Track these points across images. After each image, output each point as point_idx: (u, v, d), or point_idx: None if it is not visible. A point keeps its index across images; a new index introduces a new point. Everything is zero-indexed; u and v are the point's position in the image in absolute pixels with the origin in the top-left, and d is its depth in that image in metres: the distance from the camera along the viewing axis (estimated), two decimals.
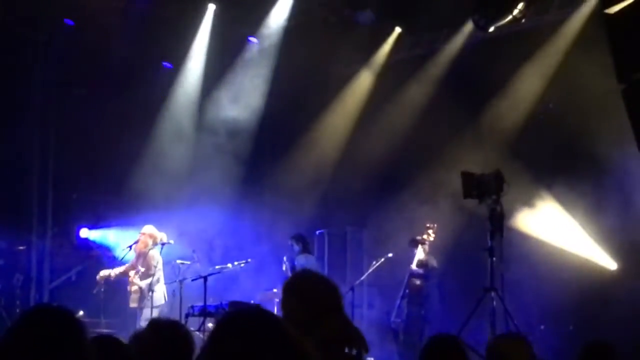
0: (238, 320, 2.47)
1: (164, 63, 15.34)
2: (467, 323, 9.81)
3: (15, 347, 2.71)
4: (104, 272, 12.21)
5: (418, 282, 12.06)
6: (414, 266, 12.09)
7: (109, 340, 3.76)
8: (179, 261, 12.20)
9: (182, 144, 14.98)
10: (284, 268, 12.62)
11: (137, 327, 11.59)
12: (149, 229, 12.28)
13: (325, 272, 13.35)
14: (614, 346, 5.67)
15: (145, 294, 11.97)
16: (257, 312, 2.51)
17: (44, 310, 2.91)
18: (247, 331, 2.41)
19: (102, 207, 14.60)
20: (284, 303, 3.52)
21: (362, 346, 3.53)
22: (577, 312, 11.81)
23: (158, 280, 12.04)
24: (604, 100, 11.12)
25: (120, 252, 12.55)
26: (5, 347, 2.72)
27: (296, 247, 12.69)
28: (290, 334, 2.44)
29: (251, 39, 14.92)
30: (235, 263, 11.86)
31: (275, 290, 12.92)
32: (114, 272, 12.23)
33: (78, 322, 2.87)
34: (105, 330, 11.30)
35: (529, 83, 12.95)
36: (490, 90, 13.17)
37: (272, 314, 2.55)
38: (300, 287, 3.58)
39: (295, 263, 12.43)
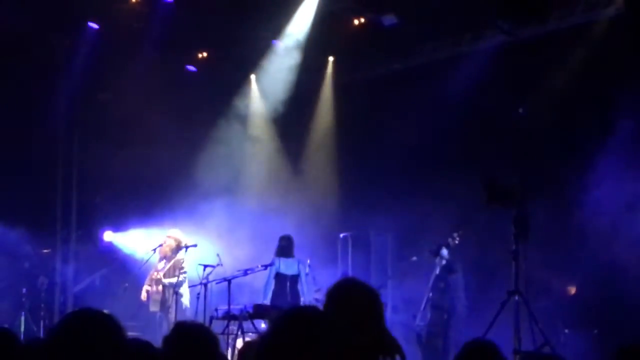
0: (297, 315, 2.84)
1: (187, 66, 15.38)
2: (491, 327, 9.76)
3: (59, 351, 2.74)
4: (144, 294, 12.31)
5: (442, 286, 12.04)
6: (437, 271, 12.06)
7: (140, 344, 3.79)
8: (203, 264, 12.20)
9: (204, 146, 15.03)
10: (306, 270, 12.61)
11: (161, 331, 11.64)
12: (174, 232, 12.34)
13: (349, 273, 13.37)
14: None
15: (167, 298, 12.00)
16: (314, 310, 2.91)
17: (87, 313, 2.93)
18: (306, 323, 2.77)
19: (126, 210, 14.63)
20: (325, 309, 3.53)
21: (399, 354, 3.52)
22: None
23: (183, 284, 12.07)
24: None
25: (144, 254, 12.58)
26: (50, 351, 2.75)
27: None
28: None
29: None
30: (259, 266, 11.85)
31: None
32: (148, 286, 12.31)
33: (119, 326, 2.90)
34: (130, 334, 11.31)
35: None
36: None
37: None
38: (340, 294, 3.59)
39: None
